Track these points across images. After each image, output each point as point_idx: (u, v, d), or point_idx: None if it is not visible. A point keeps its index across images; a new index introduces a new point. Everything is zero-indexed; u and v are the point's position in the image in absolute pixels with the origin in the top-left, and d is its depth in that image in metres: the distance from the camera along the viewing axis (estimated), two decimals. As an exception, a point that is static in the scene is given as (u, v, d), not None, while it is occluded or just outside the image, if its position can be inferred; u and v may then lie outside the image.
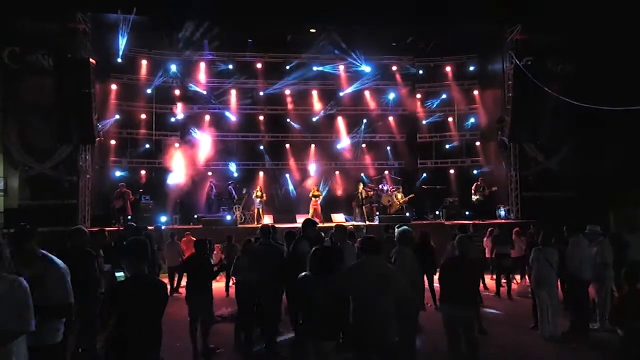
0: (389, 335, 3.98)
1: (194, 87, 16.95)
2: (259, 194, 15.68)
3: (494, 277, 10.57)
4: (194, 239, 11.39)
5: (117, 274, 5.06)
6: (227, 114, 17.44)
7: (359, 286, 3.92)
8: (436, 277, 8.42)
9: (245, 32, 16.13)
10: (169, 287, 10.44)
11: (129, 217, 14.28)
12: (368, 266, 4.06)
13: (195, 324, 6.38)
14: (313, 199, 15.69)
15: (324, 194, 16.34)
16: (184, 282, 10.67)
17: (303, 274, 4.04)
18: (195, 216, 15.16)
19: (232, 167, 17.29)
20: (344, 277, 4.06)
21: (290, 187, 17.83)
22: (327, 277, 3.83)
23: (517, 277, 10.89)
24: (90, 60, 13.10)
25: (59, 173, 13.75)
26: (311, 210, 15.48)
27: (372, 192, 16.03)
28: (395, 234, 5.76)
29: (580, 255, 6.98)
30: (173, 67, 16.55)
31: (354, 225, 13.06)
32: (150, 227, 11.49)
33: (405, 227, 6.08)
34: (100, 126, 13.95)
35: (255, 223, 14.91)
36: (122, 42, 14.53)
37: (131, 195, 14.26)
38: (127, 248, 3.52)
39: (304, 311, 3.83)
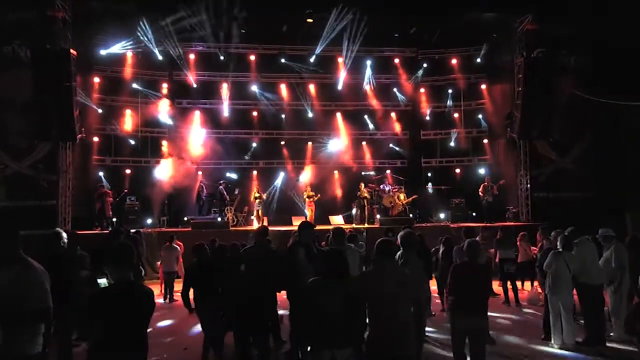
0: (410, 347, 3.88)
1: (182, 81, 16.87)
2: (256, 195, 15.57)
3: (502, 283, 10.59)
4: (180, 243, 11.38)
5: (99, 281, 5.05)
6: (218, 109, 17.37)
7: (376, 294, 3.81)
8: (432, 282, 8.48)
9: (237, 20, 16.05)
10: (162, 294, 10.58)
11: (114, 219, 14.28)
12: (386, 272, 3.94)
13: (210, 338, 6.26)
14: (307, 199, 15.70)
15: (311, 191, 16.18)
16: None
17: (312, 279, 3.93)
18: (185, 218, 15.13)
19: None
20: (360, 284, 3.95)
21: (284, 187, 17.74)
22: (339, 282, 3.74)
23: (526, 283, 10.91)
24: (71, 51, 13.03)
25: (37, 172, 13.69)
26: (309, 213, 15.49)
27: (373, 192, 16.03)
28: (399, 237, 5.68)
29: (583, 259, 6.98)
30: (160, 59, 16.47)
31: (353, 228, 13.07)
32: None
33: (409, 229, 6.08)
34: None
35: (255, 225, 14.83)
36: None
37: (110, 196, 14.23)
38: (110, 253, 3.50)
39: (316, 319, 3.73)
